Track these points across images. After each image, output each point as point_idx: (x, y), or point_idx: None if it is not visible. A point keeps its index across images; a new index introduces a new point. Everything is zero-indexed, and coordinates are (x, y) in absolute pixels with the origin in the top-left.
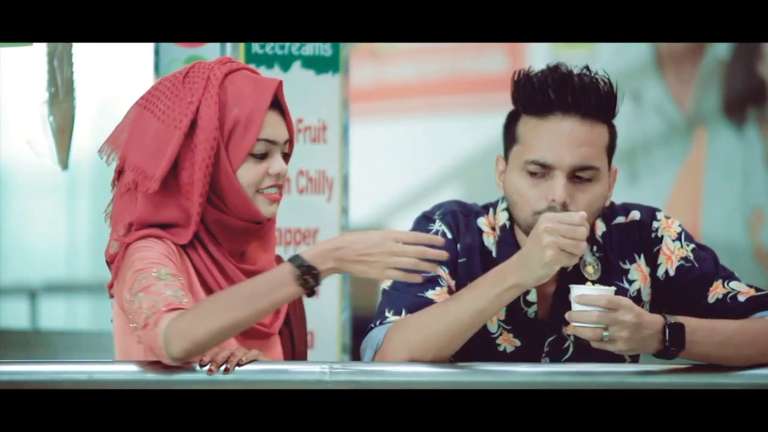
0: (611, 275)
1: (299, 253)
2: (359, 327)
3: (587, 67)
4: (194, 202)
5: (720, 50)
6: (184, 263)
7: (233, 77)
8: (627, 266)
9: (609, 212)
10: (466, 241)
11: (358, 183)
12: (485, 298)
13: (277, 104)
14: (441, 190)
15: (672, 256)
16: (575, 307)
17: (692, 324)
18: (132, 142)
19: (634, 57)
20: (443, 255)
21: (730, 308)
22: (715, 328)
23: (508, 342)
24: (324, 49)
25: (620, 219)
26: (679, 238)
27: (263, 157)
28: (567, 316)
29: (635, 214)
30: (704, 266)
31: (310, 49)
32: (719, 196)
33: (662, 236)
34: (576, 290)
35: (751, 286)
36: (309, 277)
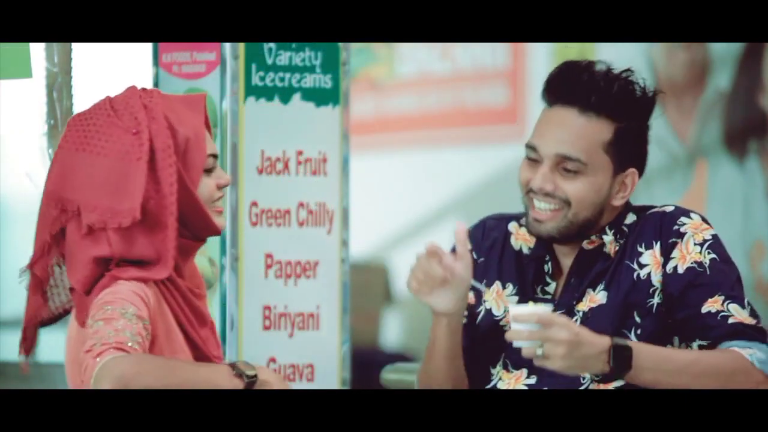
0: (624, 256)
1: (252, 367)
2: (359, 360)
3: (608, 67)
4: (170, 228)
5: (721, 82)
6: (161, 305)
7: (166, 100)
8: (642, 250)
9: (648, 206)
10: (485, 243)
11: (359, 215)
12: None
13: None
14: (442, 223)
15: (687, 256)
16: (513, 326)
17: (643, 350)
18: (79, 184)
19: None
20: None
21: (711, 326)
22: (670, 357)
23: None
24: (324, 81)
25: (654, 210)
26: (702, 244)
27: (210, 171)
28: (506, 335)
29: (669, 208)
30: (715, 277)
31: (310, 81)
32: (720, 228)
33: (685, 233)
34: (512, 309)
35: (755, 317)
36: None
